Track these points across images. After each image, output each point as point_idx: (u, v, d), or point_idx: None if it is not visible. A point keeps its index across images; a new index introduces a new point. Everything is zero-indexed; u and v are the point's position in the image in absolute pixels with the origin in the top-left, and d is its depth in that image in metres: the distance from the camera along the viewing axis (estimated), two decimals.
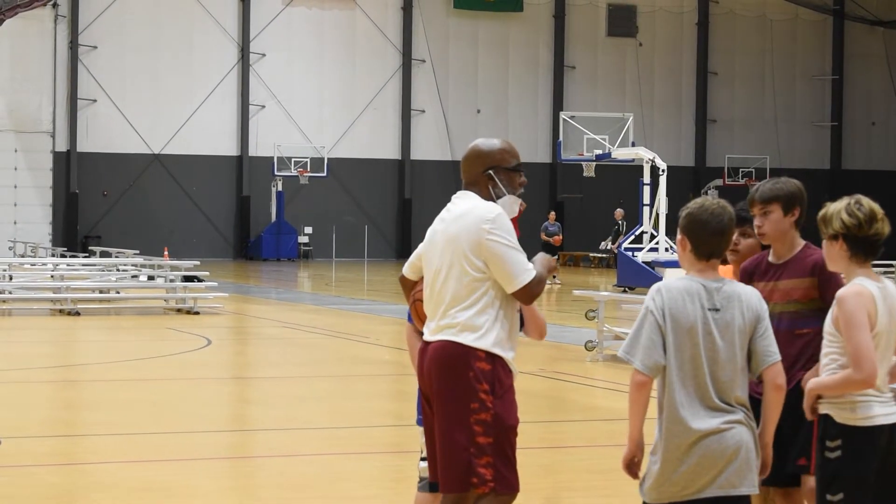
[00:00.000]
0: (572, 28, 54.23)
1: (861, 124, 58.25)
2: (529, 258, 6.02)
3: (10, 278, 26.20)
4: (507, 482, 5.86)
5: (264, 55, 50.28)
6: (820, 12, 56.48)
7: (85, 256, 36.62)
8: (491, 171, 6.06)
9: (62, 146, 48.02)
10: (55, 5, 47.24)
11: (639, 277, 29.88)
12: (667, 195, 32.13)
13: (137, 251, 35.28)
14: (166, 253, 33.68)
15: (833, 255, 5.48)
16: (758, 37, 56.46)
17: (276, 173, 49.08)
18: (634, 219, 35.89)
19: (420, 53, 52.24)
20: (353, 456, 10.62)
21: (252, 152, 50.29)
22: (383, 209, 51.98)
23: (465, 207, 6.00)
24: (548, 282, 6.21)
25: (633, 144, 37.27)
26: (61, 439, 11.52)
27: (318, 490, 9.21)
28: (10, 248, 43.79)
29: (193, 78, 49.45)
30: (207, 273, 28.19)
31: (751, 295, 5.31)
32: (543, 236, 36.48)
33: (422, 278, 6.20)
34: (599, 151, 36.89)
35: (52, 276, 26.95)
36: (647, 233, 32.58)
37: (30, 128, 47.46)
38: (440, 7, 52.42)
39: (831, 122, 57.75)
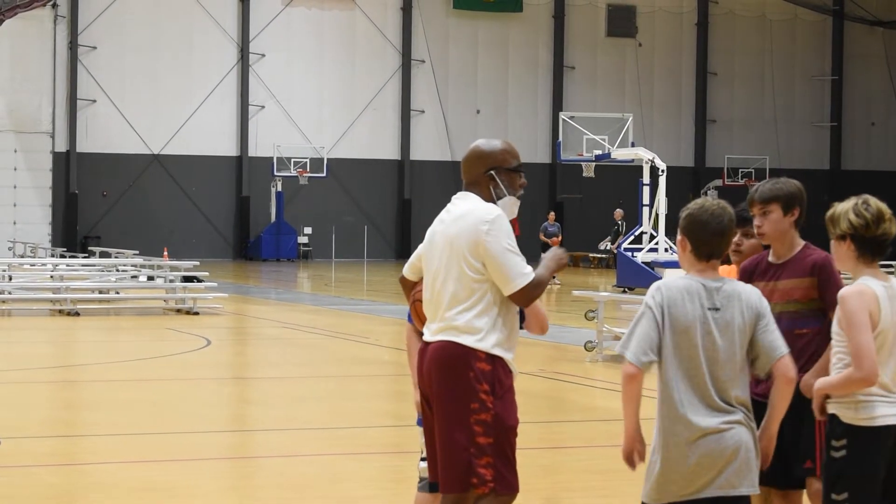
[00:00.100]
0: (572, 28, 54.23)
1: (860, 125, 58.26)
2: (529, 259, 6.02)
3: (10, 279, 26.20)
4: (507, 482, 5.87)
5: (264, 55, 50.29)
6: (819, 12, 56.48)
7: (84, 257, 36.62)
8: (492, 172, 6.06)
9: (62, 146, 48.02)
10: (55, 6, 47.24)
11: (638, 278, 29.87)
12: (666, 195, 32.13)
13: (137, 251, 35.28)
14: (166, 253, 33.66)
15: (841, 256, 5.50)
16: (757, 37, 56.46)
17: (275, 174, 49.08)
18: (634, 219, 35.89)
19: (420, 54, 52.24)
20: (353, 456, 10.62)
21: (252, 153, 50.29)
22: (383, 209, 51.98)
23: (464, 209, 6.00)
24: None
25: (633, 145, 37.28)
26: (61, 439, 11.52)
27: (317, 490, 9.21)
28: (9, 249, 43.78)
29: (193, 78, 49.45)
30: (207, 273, 28.18)
31: (751, 293, 5.31)
32: (543, 237, 36.48)
33: (422, 279, 6.20)
34: (599, 152, 36.90)
35: (51, 277, 26.95)
36: (646, 233, 32.57)
37: (29, 128, 47.45)
38: (440, 7, 52.42)
39: (831, 123, 57.75)
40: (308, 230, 50.43)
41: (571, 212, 52.24)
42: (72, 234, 47.74)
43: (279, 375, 16.35)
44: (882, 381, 5.38)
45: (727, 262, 6.68)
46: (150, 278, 27.54)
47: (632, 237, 33.14)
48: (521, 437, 6.03)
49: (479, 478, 5.81)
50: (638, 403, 5.21)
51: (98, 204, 48.46)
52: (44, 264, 30.94)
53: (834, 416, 5.45)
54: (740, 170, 52.85)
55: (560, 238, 37.34)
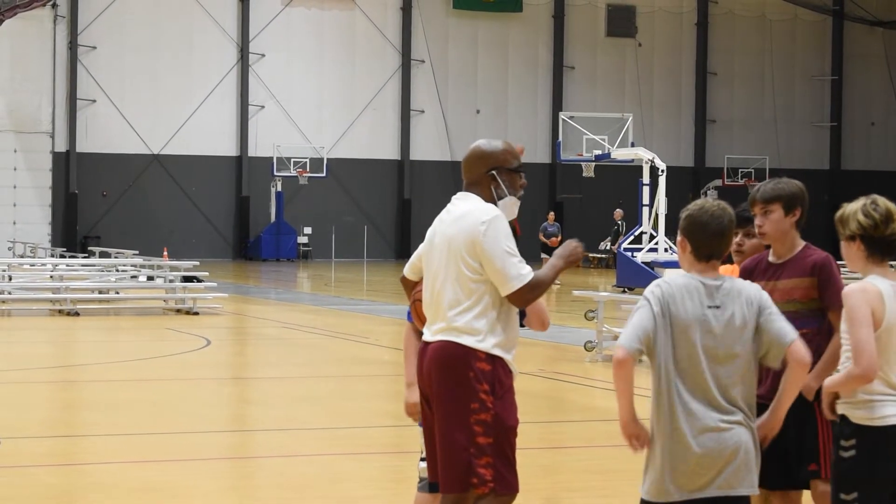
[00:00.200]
0: (572, 28, 54.24)
1: (860, 125, 58.25)
2: (528, 259, 6.01)
3: (10, 279, 26.20)
4: (507, 482, 5.86)
5: (264, 55, 50.29)
6: (819, 12, 56.48)
7: (84, 257, 36.61)
8: (493, 172, 6.06)
9: (61, 146, 48.02)
10: (54, 6, 47.24)
11: (638, 278, 29.86)
12: (666, 195, 32.13)
13: (137, 251, 35.28)
14: (165, 253, 33.67)
15: (851, 256, 5.51)
16: (757, 37, 56.46)
17: (275, 174, 49.08)
18: (634, 219, 35.89)
19: (419, 54, 52.25)
20: (353, 456, 10.62)
21: (251, 153, 50.29)
22: (382, 209, 51.98)
23: (463, 209, 6.00)
24: None
25: (633, 145, 37.27)
26: (60, 440, 11.52)
27: (317, 490, 9.21)
28: (9, 249, 43.78)
29: (193, 78, 49.46)
30: (207, 273, 28.18)
31: (750, 288, 5.31)
32: (542, 237, 36.48)
33: (422, 279, 6.20)
34: (599, 152, 36.89)
35: (51, 277, 26.94)
36: (646, 233, 32.57)
37: (29, 128, 47.45)
38: (439, 7, 52.42)
39: (830, 123, 57.75)
40: (308, 230, 50.43)
41: (571, 212, 52.23)
42: (71, 234, 47.74)
43: (279, 375, 16.35)
44: (890, 381, 5.39)
45: (729, 261, 6.67)
46: (150, 278, 27.54)
47: (631, 237, 33.14)
48: (521, 437, 6.03)
49: (478, 478, 5.81)
50: (630, 389, 5.18)
51: (98, 204, 48.46)
52: (43, 264, 30.94)
53: (843, 417, 5.46)
54: (740, 170, 52.86)
55: (560, 238, 37.32)
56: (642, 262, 31.09)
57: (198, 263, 27.37)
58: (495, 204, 6.02)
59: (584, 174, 37.56)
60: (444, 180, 49.37)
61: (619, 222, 41.99)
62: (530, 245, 32.69)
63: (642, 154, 33.42)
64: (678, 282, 5.27)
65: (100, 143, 48.44)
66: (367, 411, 13.14)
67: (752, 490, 5.24)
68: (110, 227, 48.06)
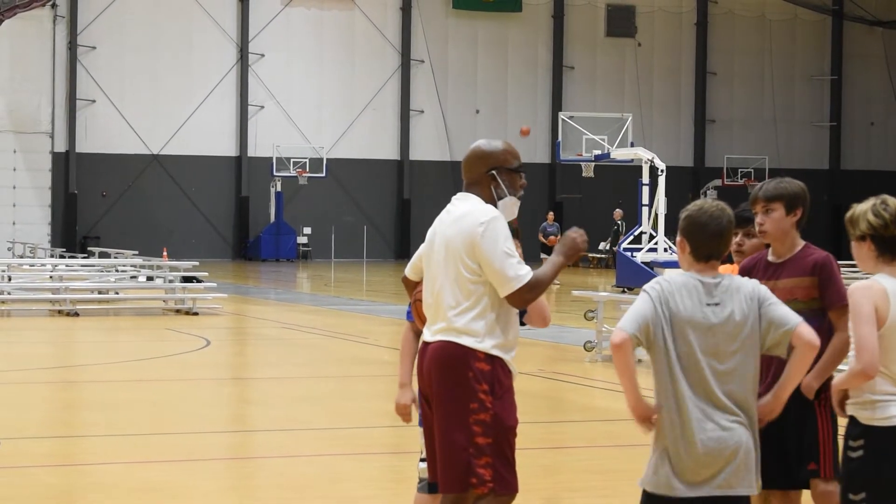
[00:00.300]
0: (571, 28, 54.23)
1: (860, 125, 58.25)
2: (528, 260, 6.01)
3: (10, 279, 26.20)
4: (506, 483, 5.86)
5: (263, 55, 50.28)
6: (819, 12, 56.48)
7: (84, 257, 36.60)
8: (493, 172, 6.06)
9: (61, 147, 48.01)
10: (54, 6, 47.23)
11: (638, 278, 29.86)
12: (666, 195, 32.14)
13: (136, 252, 35.26)
14: (165, 253, 33.67)
15: (861, 256, 5.52)
16: (757, 37, 56.46)
17: (275, 174, 49.08)
18: (633, 219, 35.89)
19: (419, 54, 52.25)
20: (353, 456, 10.62)
21: (251, 153, 50.29)
22: (382, 210, 51.98)
23: (463, 210, 6.00)
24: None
25: (632, 145, 37.28)
26: (60, 440, 11.52)
27: (317, 490, 9.21)
28: (8, 249, 43.78)
29: (192, 78, 49.45)
30: (206, 274, 28.17)
31: (749, 284, 5.32)
32: (541, 237, 36.49)
33: (423, 279, 6.20)
34: (598, 152, 36.89)
35: (50, 277, 26.94)
36: (645, 233, 32.58)
37: (29, 128, 47.44)
38: (439, 7, 52.42)
39: (830, 123, 57.75)
40: (307, 230, 50.43)
41: (571, 212, 52.20)
42: (71, 235, 47.74)
43: (279, 376, 16.35)
44: None
45: (729, 261, 6.68)
46: (150, 278, 27.54)
47: (631, 237, 33.15)
48: (520, 438, 6.03)
49: (478, 478, 5.80)
50: (632, 371, 5.17)
51: (97, 204, 48.45)
52: (43, 265, 30.94)
53: (852, 417, 5.49)
54: (740, 170, 52.85)
55: (557, 237, 37.31)
56: (642, 262, 31.09)
57: (197, 264, 27.37)
58: (495, 204, 6.02)
59: (584, 174, 37.56)
60: (444, 180, 49.38)
61: (619, 222, 42.00)
62: (530, 245, 32.61)
63: (642, 154, 33.42)
64: (677, 280, 5.29)
65: (99, 144, 48.44)
66: (367, 411, 13.14)
67: (750, 490, 5.25)
68: (110, 228, 48.06)
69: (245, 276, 39.59)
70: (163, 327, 22.45)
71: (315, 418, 12.68)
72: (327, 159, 49.60)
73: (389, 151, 52.21)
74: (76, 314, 23.87)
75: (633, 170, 38.26)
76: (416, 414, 6.38)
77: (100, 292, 26.15)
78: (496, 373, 5.87)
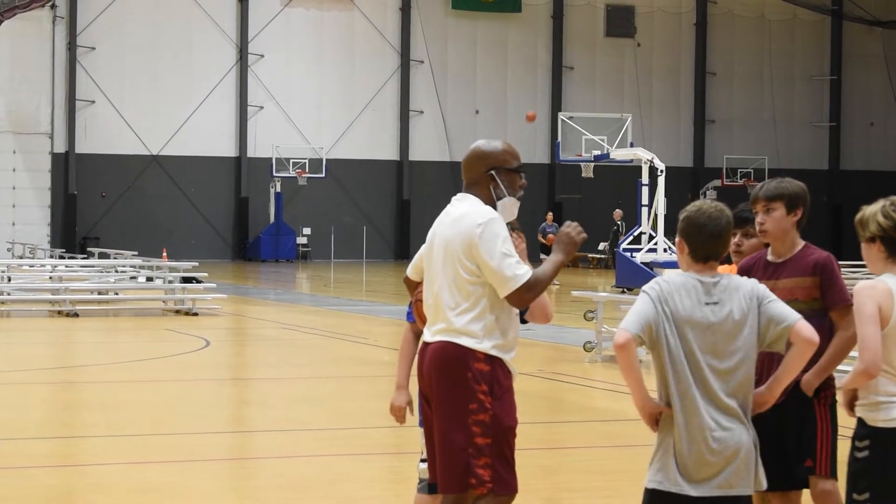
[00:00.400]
0: (571, 28, 54.24)
1: (859, 125, 58.26)
2: (528, 258, 6.01)
3: (9, 280, 26.20)
4: (506, 483, 5.86)
5: (263, 56, 50.29)
6: (818, 12, 56.48)
7: (83, 258, 36.61)
8: (493, 172, 6.05)
9: (60, 147, 48.02)
10: (53, 6, 47.24)
11: (637, 278, 29.87)
12: (665, 196, 32.13)
13: (136, 252, 35.27)
14: (165, 254, 33.67)
15: (872, 258, 5.54)
16: (756, 37, 56.46)
17: (274, 174, 49.08)
18: (633, 219, 35.89)
19: (418, 54, 52.25)
20: (353, 457, 10.62)
21: (251, 153, 50.29)
22: (382, 210, 51.98)
23: (461, 211, 5.99)
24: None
25: (632, 145, 37.27)
26: (59, 441, 11.52)
27: (317, 491, 9.21)
28: (8, 250, 43.80)
29: (192, 79, 49.46)
30: (206, 274, 28.17)
31: (748, 283, 5.33)
32: (541, 238, 36.49)
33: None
34: (598, 152, 36.88)
35: (50, 278, 26.92)
36: (645, 233, 32.58)
37: (28, 129, 47.45)
38: (438, 8, 52.42)
39: (830, 123, 57.76)
40: (307, 231, 50.43)
41: (570, 212, 52.21)
42: (71, 235, 47.74)
43: (278, 376, 16.35)
44: None
45: (728, 261, 6.68)
46: (149, 279, 27.53)
47: (631, 237, 33.15)
48: (520, 438, 6.03)
49: (477, 478, 5.80)
50: (636, 371, 5.18)
51: (97, 205, 48.46)
52: (43, 265, 30.93)
53: (860, 418, 5.52)
54: (739, 170, 52.85)
55: (555, 237, 37.28)
56: (641, 263, 31.09)
57: (197, 264, 27.35)
58: (494, 205, 6.01)
59: (584, 174, 37.55)
60: (444, 181, 49.38)
61: (619, 223, 41.99)
62: (530, 246, 32.59)
63: (641, 154, 33.42)
64: (675, 280, 5.30)
65: (99, 144, 48.44)
66: (366, 411, 13.13)
67: (750, 490, 5.26)
68: (109, 228, 48.06)
69: (245, 277, 39.59)
70: (162, 328, 22.45)
71: (315, 419, 12.68)
72: (327, 160, 49.61)
73: (389, 152, 52.22)
74: (76, 315, 23.87)
75: (632, 170, 38.25)
76: (415, 415, 6.38)
77: (99, 293, 26.15)
78: (495, 373, 5.87)
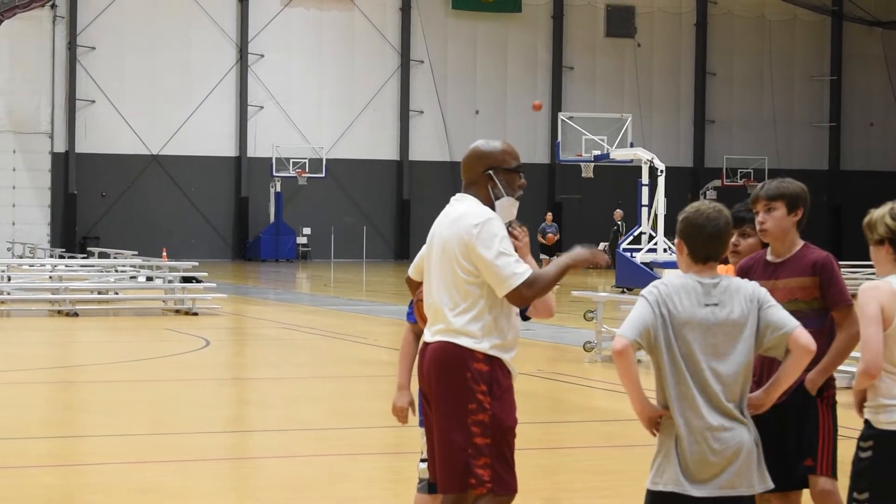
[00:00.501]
0: (571, 29, 54.25)
1: (859, 125, 58.27)
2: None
3: (9, 279, 26.19)
4: (505, 483, 5.86)
5: (263, 56, 50.30)
6: (818, 13, 56.49)
7: (83, 257, 36.61)
8: (491, 172, 6.05)
9: (60, 147, 48.03)
10: (53, 6, 47.25)
11: (637, 278, 29.87)
12: (665, 196, 32.14)
13: (136, 252, 35.27)
14: (165, 254, 33.67)
15: (881, 260, 5.55)
16: (756, 37, 56.47)
17: (274, 174, 49.09)
18: (633, 219, 35.89)
19: (418, 54, 52.25)
20: (353, 457, 10.62)
21: (251, 153, 50.30)
22: (382, 210, 51.99)
23: (459, 211, 5.99)
24: None
25: (632, 145, 37.27)
26: (59, 440, 11.52)
27: (317, 491, 9.21)
28: (8, 249, 43.80)
29: (192, 79, 49.47)
30: (206, 274, 28.17)
31: (748, 285, 5.34)
32: (540, 238, 36.48)
33: None
34: (598, 152, 36.88)
35: (50, 277, 26.93)
36: (645, 234, 32.58)
37: (28, 129, 47.46)
38: (438, 8, 52.43)
39: (830, 123, 57.77)
40: (307, 231, 50.44)
41: (570, 212, 52.25)
42: (71, 235, 47.75)
43: (278, 376, 16.35)
44: None
45: (725, 262, 6.68)
46: (149, 279, 27.53)
47: (631, 237, 33.15)
48: (519, 438, 6.03)
49: (476, 478, 5.80)
50: (635, 377, 5.18)
51: (97, 204, 48.47)
52: (43, 265, 30.94)
53: (867, 420, 5.55)
54: (739, 170, 52.87)
55: (557, 237, 37.35)
56: (641, 263, 31.10)
57: (197, 264, 27.35)
58: (493, 205, 6.01)
59: (584, 175, 37.55)
60: (443, 181, 49.39)
61: (619, 223, 41.99)
62: (530, 246, 32.65)
63: (641, 154, 33.42)
64: (675, 282, 5.30)
65: (99, 144, 48.45)
66: (366, 411, 13.14)
67: (753, 489, 5.26)
68: (109, 228, 48.07)
69: (244, 277, 39.59)
70: (162, 327, 22.45)
71: (315, 418, 12.68)
72: (327, 160, 49.62)
73: (389, 152, 52.23)
74: (76, 314, 23.86)
75: (632, 170, 38.25)
76: (415, 415, 6.38)
77: (99, 292, 26.15)
78: (494, 373, 5.87)
